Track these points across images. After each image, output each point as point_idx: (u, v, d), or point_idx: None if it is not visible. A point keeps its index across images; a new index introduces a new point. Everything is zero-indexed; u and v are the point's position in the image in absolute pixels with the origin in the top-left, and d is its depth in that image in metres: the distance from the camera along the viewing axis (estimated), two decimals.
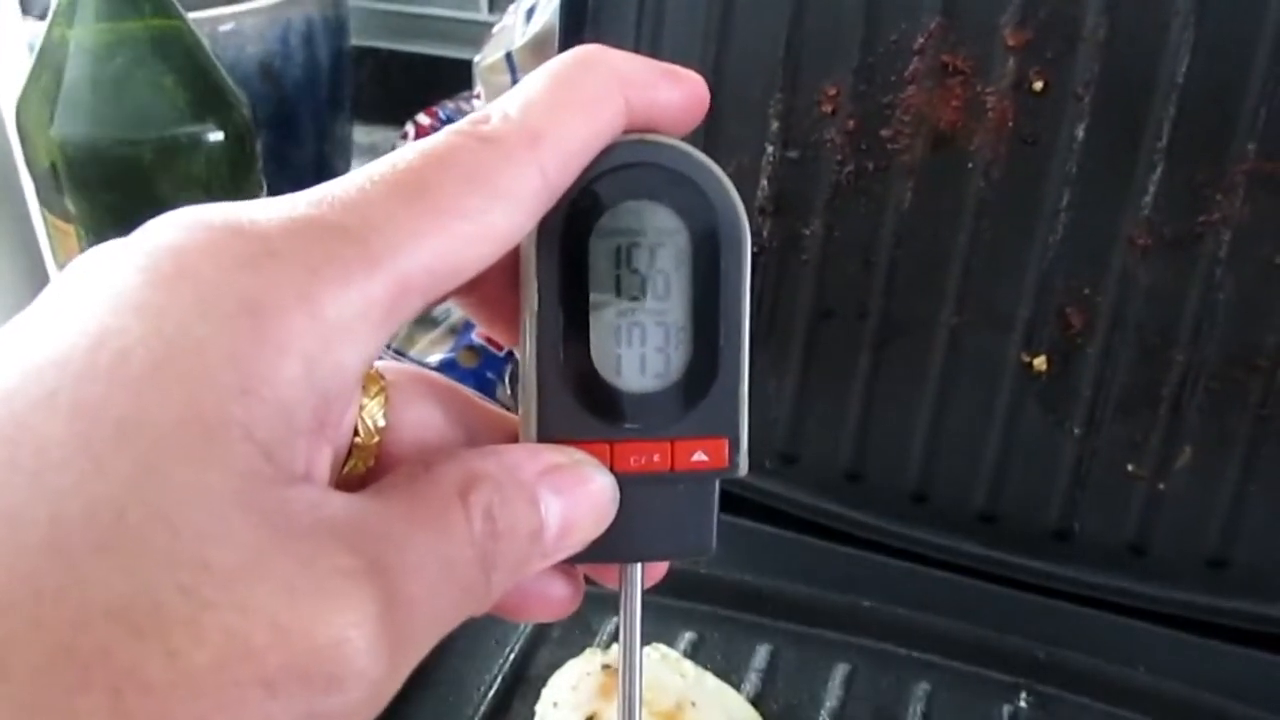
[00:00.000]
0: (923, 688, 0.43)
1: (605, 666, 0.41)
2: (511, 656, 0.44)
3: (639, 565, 0.22)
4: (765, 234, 0.49)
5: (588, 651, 0.42)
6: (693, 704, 0.40)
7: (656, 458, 0.20)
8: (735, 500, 0.51)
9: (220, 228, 0.16)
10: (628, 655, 0.23)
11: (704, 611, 0.45)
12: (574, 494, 0.19)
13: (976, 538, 0.49)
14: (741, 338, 0.20)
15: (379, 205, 0.17)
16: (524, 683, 0.43)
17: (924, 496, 0.50)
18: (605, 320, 0.20)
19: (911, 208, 0.46)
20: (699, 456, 0.21)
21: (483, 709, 0.42)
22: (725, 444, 0.21)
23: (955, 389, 0.48)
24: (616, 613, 0.46)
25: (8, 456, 0.14)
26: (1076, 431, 0.47)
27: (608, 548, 0.20)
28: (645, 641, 0.43)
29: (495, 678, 0.43)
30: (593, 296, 0.20)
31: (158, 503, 0.14)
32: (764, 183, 0.48)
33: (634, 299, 0.20)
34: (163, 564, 0.14)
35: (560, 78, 0.19)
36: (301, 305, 0.16)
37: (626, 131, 0.19)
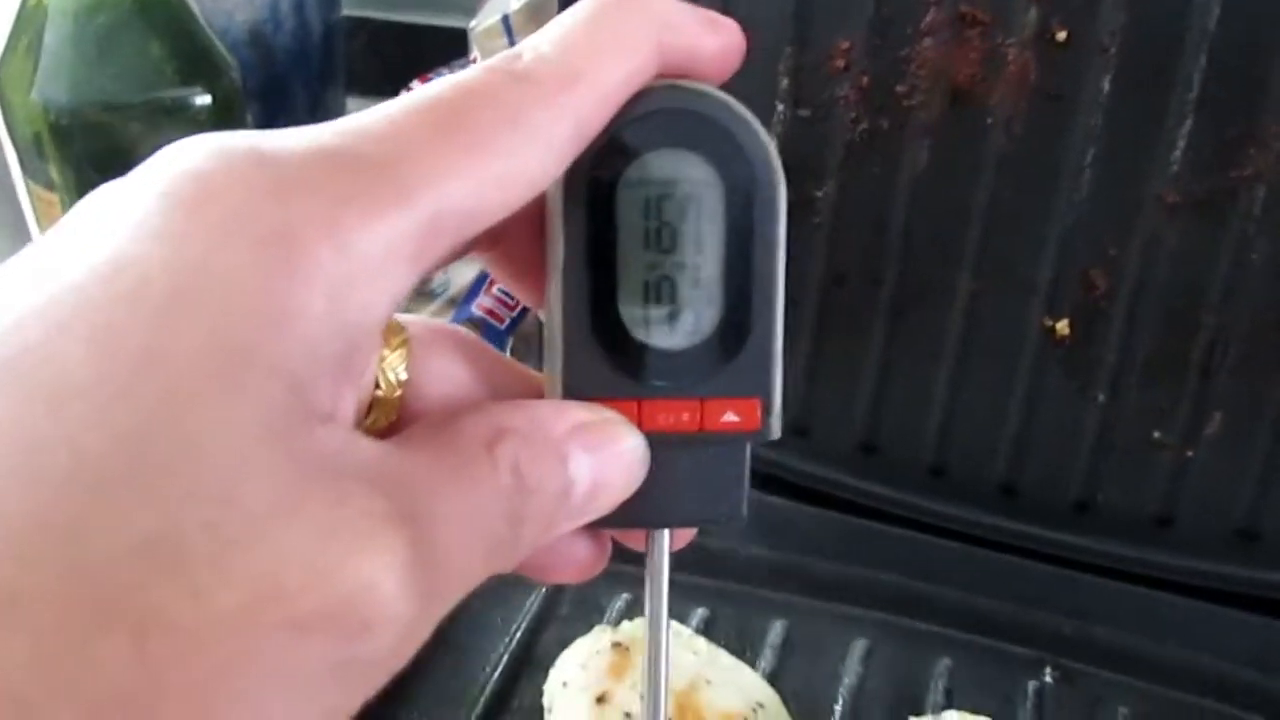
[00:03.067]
0: (944, 663, 0.42)
1: (615, 644, 0.39)
2: (518, 635, 0.42)
3: (666, 531, 0.21)
4: None
5: (597, 629, 0.40)
6: (707, 682, 0.38)
7: (686, 417, 0.19)
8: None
9: (242, 154, 0.15)
10: (654, 626, 0.21)
11: (717, 587, 0.44)
12: (604, 453, 0.18)
13: (997, 510, 0.47)
14: (775, 295, 0.20)
15: (411, 137, 0.16)
16: (531, 662, 0.41)
17: (942, 468, 0.48)
18: (634, 274, 0.19)
19: (928, 167, 0.45)
20: (730, 417, 0.20)
21: (489, 689, 0.40)
22: (757, 405, 0.20)
23: (974, 356, 0.47)
24: (625, 589, 0.45)
25: (24, 385, 0.13)
26: (1100, 399, 0.46)
27: (635, 512, 0.20)
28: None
29: (502, 657, 0.41)
30: (621, 250, 0.19)
31: (183, 435, 0.13)
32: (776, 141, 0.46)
33: (664, 252, 0.19)
34: (188, 500, 0.13)
35: (597, 17, 0.18)
36: (329, 237, 0.15)
37: (659, 77, 0.18)
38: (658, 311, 0.19)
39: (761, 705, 0.38)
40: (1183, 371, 0.44)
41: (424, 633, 0.15)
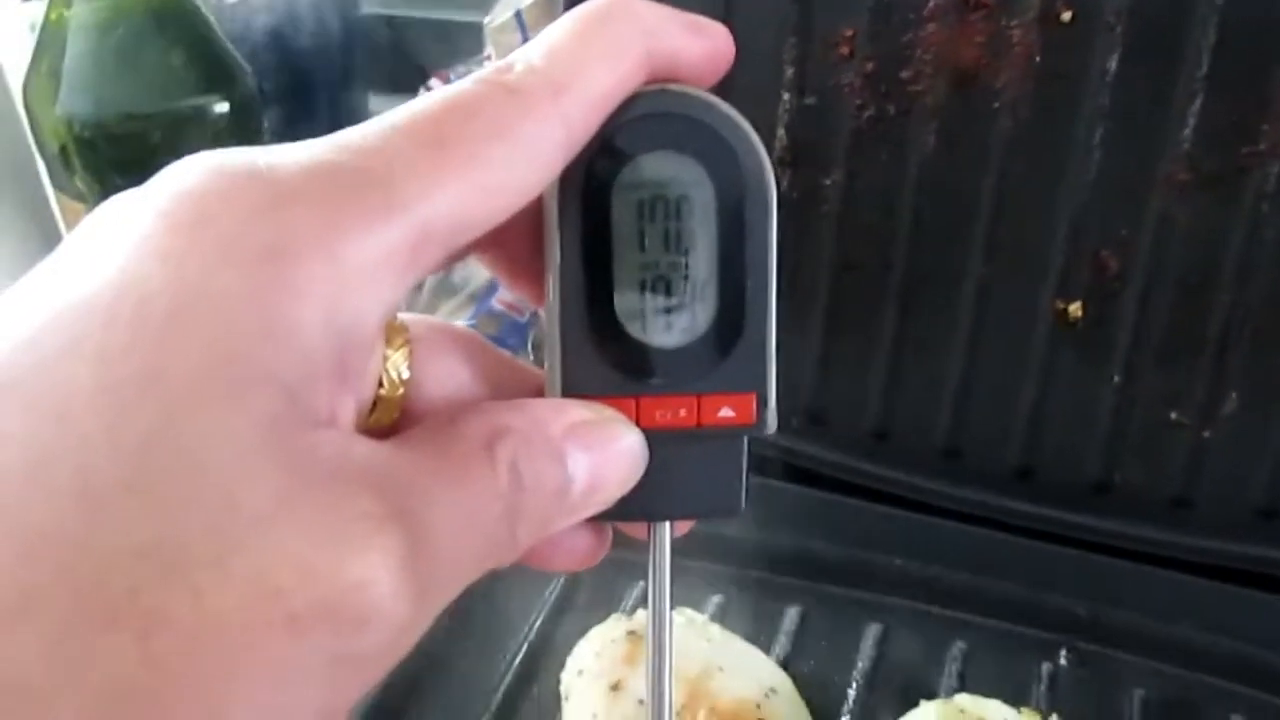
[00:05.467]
0: (959, 647, 0.42)
1: (630, 633, 0.40)
2: (537, 624, 0.43)
3: (667, 525, 0.21)
4: (784, 185, 0.47)
5: (613, 618, 0.41)
6: (720, 669, 0.39)
7: (683, 413, 0.20)
8: (763, 460, 0.50)
9: (239, 172, 0.16)
10: (657, 618, 0.22)
11: (731, 574, 0.45)
12: (602, 451, 0.19)
13: (1012, 493, 0.47)
14: (768, 291, 0.20)
15: (401, 151, 0.16)
16: (548, 651, 0.42)
17: (957, 452, 0.48)
18: (629, 274, 0.20)
19: (935, 152, 0.44)
20: (726, 412, 0.20)
21: (509, 678, 0.41)
22: (753, 400, 0.20)
23: (986, 340, 0.46)
24: (642, 578, 0.45)
25: (33, 403, 0.14)
26: (1115, 380, 0.45)
27: (635, 506, 0.20)
28: (672, 605, 0.42)
29: (520, 645, 0.42)
30: (616, 250, 0.19)
31: (184, 445, 0.14)
32: (780, 132, 0.46)
33: (658, 253, 0.20)
34: (189, 506, 0.14)
35: (584, 27, 0.18)
36: (321, 250, 0.15)
37: (648, 82, 0.19)
38: (653, 310, 0.20)
39: (774, 690, 0.39)
40: (1198, 351, 0.44)
41: (419, 628, 0.16)
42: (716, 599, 0.44)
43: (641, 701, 0.37)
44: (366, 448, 0.16)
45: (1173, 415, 0.45)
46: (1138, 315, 0.44)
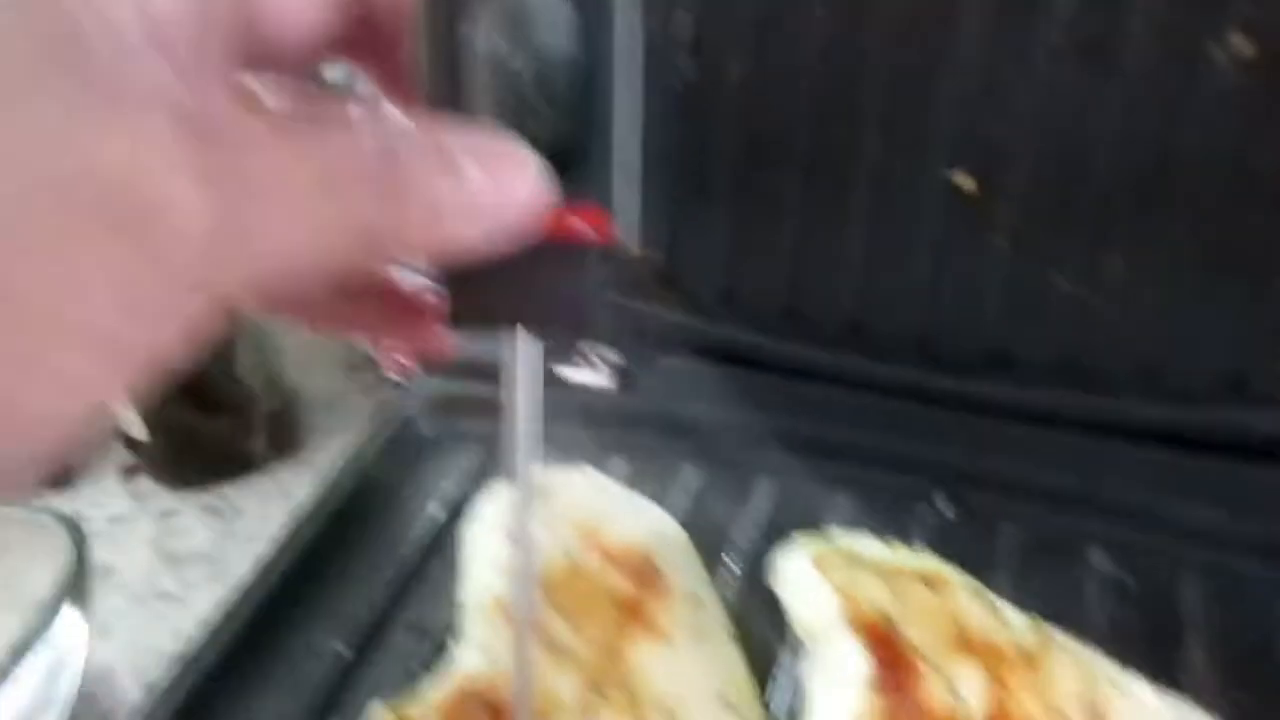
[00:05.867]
0: (845, 498, 0.44)
1: None
2: (453, 490, 0.46)
3: (523, 338, 0.22)
4: (688, 71, 0.49)
5: None
6: (612, 517, 0.41)
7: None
8: (673, 338, 0.52)
9: None
10: (518, 441, 0.23)
11: (633, 439, 0.47)
12: (499, 162, 0.18)
13: (914, 364, 0.49)
14: (611, 111, 0.21)
15: None
16: (460, 514, 0.44)
17: (860, 326, 0.50)
18: (481, 91, 0.20)
19: (829, 33, 0.46)
20: (580, 227, 0.21)
21: (424, 539, 0.44)
22: (605, 218, 0.21)
23: (884, 215, 0.48)
24: (555, 448, 0.47)
25: None
26: (1005, 248, 0.47)
27: (487, 311, 0.21)
28: (573, 466, 0.44)
29: (438, 507, 0.45)
30: (467, 66, 0.20)
31: None
32: (679, 14, 0.48)
33: (508, 69, 0.20)
34: None
35: None
36: None
37: None
38: (504, 125, 0.20)
39: (665, 537, 0.41)
40: (1082, 215, 0.45)
41: (227, 251, 0.15)
42: (619, 461, 0.46)
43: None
44: (179, 73, 0.15)
45: (1061, 280, 0.46)
46: (1025, 182, 0.46)
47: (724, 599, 0.40)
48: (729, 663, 0.37)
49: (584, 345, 0.47)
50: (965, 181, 0.47)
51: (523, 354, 0.23)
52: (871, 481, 0.45)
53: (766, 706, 0.36)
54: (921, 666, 0.34)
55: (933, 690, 0.33)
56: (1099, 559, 0.41)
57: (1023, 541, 0.42)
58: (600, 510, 0.41)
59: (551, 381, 0.49)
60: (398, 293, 0.25)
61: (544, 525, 0.40)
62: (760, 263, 0.51)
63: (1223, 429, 0.44)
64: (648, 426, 0.48)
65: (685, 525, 0.43)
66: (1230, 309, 0.44)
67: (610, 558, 0.39)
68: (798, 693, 0.36)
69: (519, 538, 0.27)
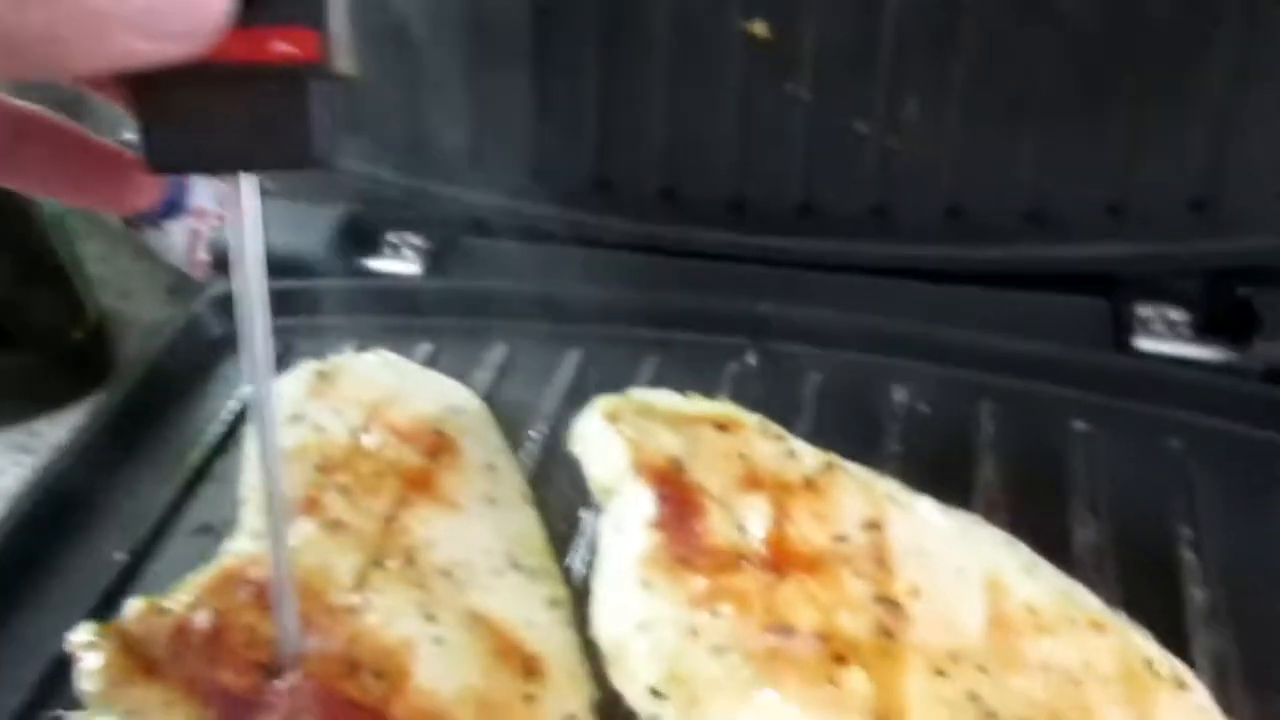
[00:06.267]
0: (653, 360, 0.43)
1: (319, 373, 0.40)
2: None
3: (242, 180, 0.21)
4: None
5: (305, 363, 0.41)
6: (403, 395, 0.40)
7: (234, 47, 0.19)
8: (483, 222, 0.50)
9: None
10: (249, 296, 0.22)
11: (441, 323, 0.45)
12: None
13: (725, 225, 0.48)
14: None
15: None
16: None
17: (671, 192, 0.49)
18: None
19: None
20: (283, 47, 0.19)
21: (208, 443, 0.42)
22: (315, 37, 0.19)
23: (685, 74, 0.47)
24: (357, 338, 0.45)
25: None
26: (806, 97, 0.46)
27: (200, 155, 0.20)
28: (366, 350, 0.42)
29: (220, 407, 0.43)
30: None
31: None
32: None
33: None
34: None
35: None
36: None
37: None
38: None
39: (460, 409, 0.40)
40: (876, 59, 0.44)
41: None
42: (426, 346, 0.44)
43: (320, 428, 0.38)
44: None
45: (860, 126, 0.46)
46: (819, 27, 0.44)
47: (525, 467, 0.38)
48: (522, 526, 0.36)
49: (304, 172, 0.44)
50: (761, 29, 0.45)
51: (243, 194, 0.21)
52: (681, 343, 0.44)
53: (569, 569, 0.35)
54: (707, 504, 0.33)
55: (716, 525, 0.32)
56: (899, 394, 0.41)
57: (825, 385, 0.42)
58: (392, 388, 0.40)
59: (358, 272, 0.47)
60: (92, 144, 0.24)
61: (330, 408, 0.39)
62: (566, 135, 0.49)
63: (1022, 262, 0.44)
64: (455, 308, 0.46)
65: (489, 400, 0.41)
66: (1027, 148, 0.44)
67: (399, 433, 0.38)
68: (594, 549, 0.35)
69: (256, 401, 0.26)
